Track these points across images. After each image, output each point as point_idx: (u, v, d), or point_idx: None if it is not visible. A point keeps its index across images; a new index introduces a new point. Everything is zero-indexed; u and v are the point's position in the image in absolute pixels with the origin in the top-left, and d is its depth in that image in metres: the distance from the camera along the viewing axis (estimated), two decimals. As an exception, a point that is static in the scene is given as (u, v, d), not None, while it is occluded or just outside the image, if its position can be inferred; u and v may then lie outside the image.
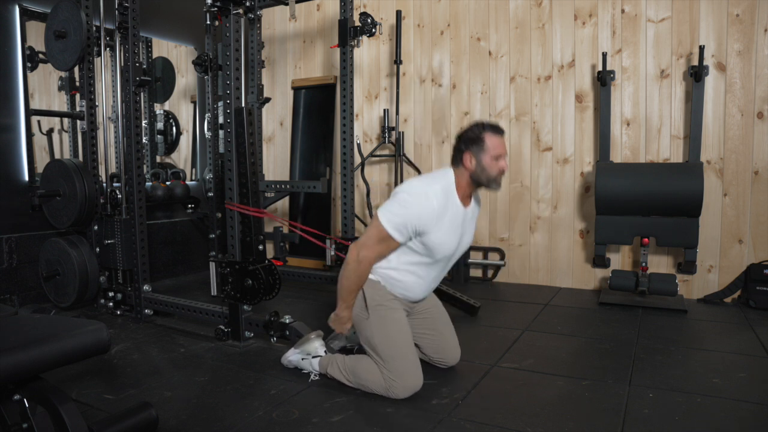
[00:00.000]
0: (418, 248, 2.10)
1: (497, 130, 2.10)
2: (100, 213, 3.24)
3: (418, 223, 2.02)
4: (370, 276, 2.17)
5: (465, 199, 2.15)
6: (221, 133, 2.74)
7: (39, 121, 3.61)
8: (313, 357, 2.27)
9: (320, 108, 4.72)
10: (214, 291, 3.35)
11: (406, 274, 2.16)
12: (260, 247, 2.63)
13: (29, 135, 3.45)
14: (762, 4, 3.27)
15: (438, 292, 3.06)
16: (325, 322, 3.06)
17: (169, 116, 4.50)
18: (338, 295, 2.17)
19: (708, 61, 3.39)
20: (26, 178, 3.42)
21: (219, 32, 3.91)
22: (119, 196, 3.18)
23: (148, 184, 3.91)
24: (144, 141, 4.00)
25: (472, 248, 4.10)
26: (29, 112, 3.43)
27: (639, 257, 3.57)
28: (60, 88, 3.75)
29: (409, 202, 2.02)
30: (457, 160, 2.13)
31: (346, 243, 2.30)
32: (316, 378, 2.24)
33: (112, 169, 3.62)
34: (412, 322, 2.27)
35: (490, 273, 4.11)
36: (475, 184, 2.13)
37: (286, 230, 4.80)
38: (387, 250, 2.10)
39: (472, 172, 2.09)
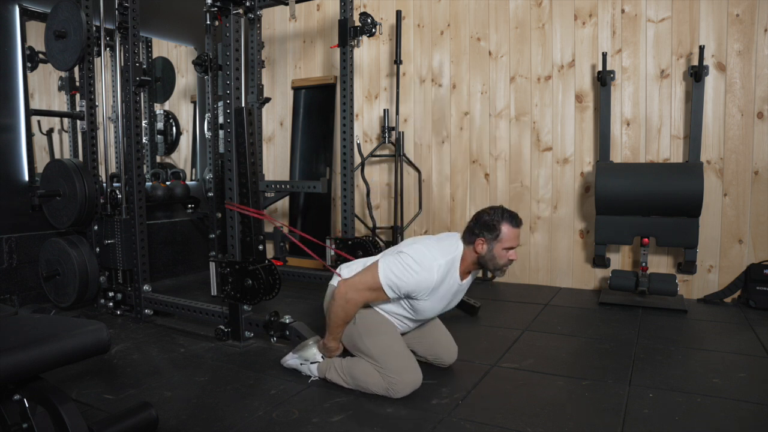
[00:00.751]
0: (405, 304, 2.15)
1: (516, 221, 2.08)
2: (100, 213, 3.24)
3: (413, 290, 2.04)
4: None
5: (464, 274, 2.16)
6: (221, 133, 2.75)
7: (39, 121, 3.61)
8: (312, 363, 2.27)
9: (320, 108, 4.72)
10: (214, 291, 3.35)
11: (389, 317, 2.21)
12: (260, 247, 2.63)
13: (29, 135, 3.45)
14: (762, 4, 3.27)
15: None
16: (324, 322, 3.06)
17: (169, 116, 4.50)
18: (327, 325, 2.20)
19: (708, 61, 3.39)
20: (26, 178, 3.42)
21: (219, 32, 3.91)
22: (119, 196, 3.18)
23: (148, 184, 3.91)
24: (144, 141, 4.00)
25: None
26: (29, 112, 3.43)
27: (639, 257, 3.57)
28: (60, 88, 3.75)
29: (413, 270, 2.01)
30: (468, 240, 2.10)
31: (333, 270, 2.35)
32: (316, 378, 2.24)
33: (112, 169, 3.62)
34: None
35: (489, 273, 4.11)
36: (479, 267, 2.15)
37: (286, 231, 4.80)
38: (375, 300, 2.13)
39: (480, 257, 2.09)
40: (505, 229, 2.05)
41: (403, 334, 2.26)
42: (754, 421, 1.86)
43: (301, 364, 2.30)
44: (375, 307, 2.20)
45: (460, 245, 2.12)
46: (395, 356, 2.07)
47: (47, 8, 3.35)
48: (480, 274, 4.12)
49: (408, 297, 2.09)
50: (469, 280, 2.21)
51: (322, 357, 2.28)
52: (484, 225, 2.06)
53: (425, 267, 2.02)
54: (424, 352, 2.33)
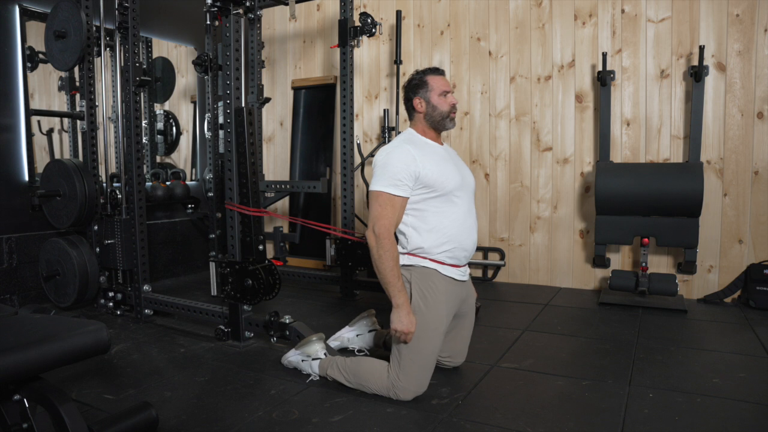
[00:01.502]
0: (427, 192, 2.07)
1: (437, 70, 2.20)
2: (100, 213, 3.24)
3: (405, 168, 2.02)
4: (418, 262, 2.08)
5: (435, 140, 2.22)
6: (221, 133, 2.74)
7: (39, 121, 3.61)
8: (313, 359, 2.27)
9: (320, 108, 4.72)
10: (214, 291, 3.35)
11: (440, 227, 2.08)
12: (260, 247, 2.63)
13: (29, 135, 3.45)
14: (762, 4, 3.27)
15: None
16: (324, 322, 3.07)
17: (169, 116, 4.50)
18: (384, 288, 2.02)
19: (708, 61, 3.39)
20: (26, 178, 3.42)
21: (219, 32, 3.91)
22: (119, 196, 3.18)
23: (148, 184, 3.91)
24: (144, 141, 4.01)
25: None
26: (29, 112, 3.43)
27: (639, 257, 3.57)
28: (60, 88, 3.75)
29: (385, 160, 2.06)
30: (410, 111, 2.22)
31: (347, 236, 2.31)
32: (316, 379, 2.24)
33: (112, 169, 3.62)
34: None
35: (490, 273, 4.11)
36: (431, 125, 2.20)
37: (286, 230, 4.79)
38: (395, 212, 2.04)
39: (425, 114, 2.18)
40: (430, 78, 2.17)
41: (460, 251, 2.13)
42: (754, 421, 1.86)
43: (302, 360, 2.30)
44: (432, 239, 2.06)
45: (408, 129, 2.24)
46: (422, 367, 2.03)
47: (47, 8, 3.35)
48: (480, 273, 4.13)
49: (414, 180, 2.04)
50: (447, 146, 2.28)
51: (324, 354, 2.28)
52: (413, 86, 2.19)
53: (392, 150, 2.08)
54: (447, 348, 2.26)
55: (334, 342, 2.59)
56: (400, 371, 2.02)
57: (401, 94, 2.25)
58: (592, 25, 3.71)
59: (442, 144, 2.25)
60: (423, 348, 2.03)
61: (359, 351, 2.55)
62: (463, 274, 2.18)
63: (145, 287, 3.17)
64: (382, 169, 2.06)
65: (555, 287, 3.87)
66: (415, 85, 2.18)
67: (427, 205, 2.09)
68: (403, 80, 4.28)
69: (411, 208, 2.09)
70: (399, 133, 4.04)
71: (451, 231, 2.10)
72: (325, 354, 2.28)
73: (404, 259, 2.10)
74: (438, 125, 2.19)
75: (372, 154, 4.21)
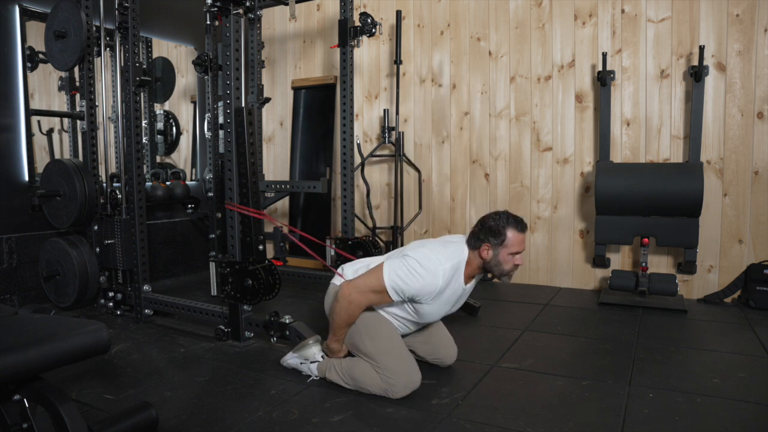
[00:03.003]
0: (408, 308, 2.14)
1: (521, 226, 2.09)
2: (100, 213, 3.24)
3: (418, 293, 2.04)
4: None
5: (468, 279, 2.16)
6: (221, 133, 2.74)
7: (39, 121, 3.61)
8: (311, 362, 2.27)
9: (320, 108, 4.72)
10: (214, 291, 3.35)
11: (390, 318, 2.20)
12: (260, 247, 2.63)
13: (29, 135, 3.45)
14: (762, 4, 3.27)
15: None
16: (324, 322, 3.06)
17: (169, 116, 4.50)
18: (330, 326, 2.20)
19: (708, 61, 3.39)
20: (26, 178, 3.42)
21: (219, 32, 3.90)
22: (119, 196, 3.18)
23: (148, 184, 3.91)
24: (144, 141, 4.00)
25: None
26: (29, 112, 3.43)
27: (639, 257, 3.57)
28: (60, 88, 3.75)
29: (418, 274, 2.01)
30: (474, 245, 2.11)
31: (334, 270, 2.33)
32: (315, 378, 2.24)
33: (112, 169, 3.62)
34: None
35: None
36: (484, 272, 2.15)
37: (286, 231, 4.80)
38: (379, 302, 2.12)
39: (486, 262, 2.10)
40: (511, 234, 2.06)
41: (403, 336, 2.26)
42: (754, 421, 1.86)
43: (300, 363, 2.30)
44: (377, 309, 2.20)
45: (465, 250, 2.12)
46: (394, 357, 2.07)
47: (47, 8, 3.35)
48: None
49: (412, 301, 2.08)
50: (472, 284, 2.22)
51: (322, 356, 2.28)
52: (490, 230, 2.06)
53: (430, 271, 2.01)
54: (423, 352, 2.34)
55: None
56: (383, 370, 2.04)
57: (475, 224, 2.14)
58: (592, 25, 3.71)
59: (471, 281, 2.20)
60: (386, 340, 2.10)
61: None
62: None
63: (145, 287, 3.17)
64: (409, 270, 2.02)
65: (555, 287, 3.87)
66: (492, 231, 2.06)
67: (396, 310, 2.18)
68: (403, 80, 4.29)
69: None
70: (399, 133, 4.03)
71: (400, 330, 2.22)
72: (322, 356, 2.28)
73: None
74: (493, 275, 2.15)
75: (372, 154, 4.21)
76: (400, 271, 2.02)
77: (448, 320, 2.57)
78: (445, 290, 2.07)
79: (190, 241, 4.43)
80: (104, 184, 3.35)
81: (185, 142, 4.64)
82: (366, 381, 2.08)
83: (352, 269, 2.25)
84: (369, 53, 4.47)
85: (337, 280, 2.25)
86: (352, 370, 2.12)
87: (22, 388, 1.45)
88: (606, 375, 2.27)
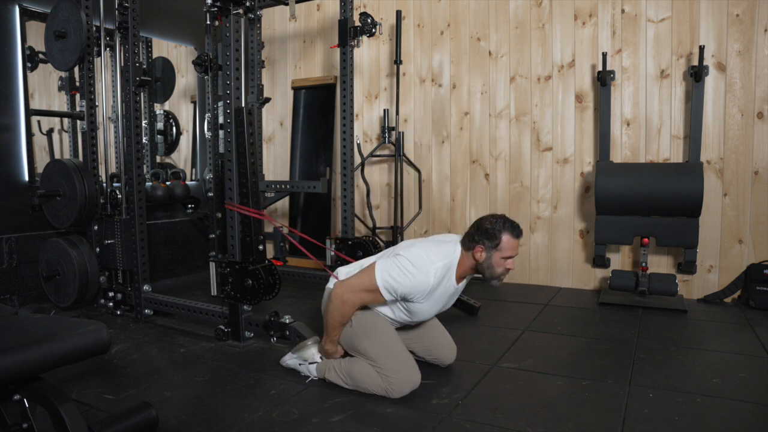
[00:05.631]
0: (401, 306, 2.15)
1: (517, 232, 2.08)
2: (100, 213, 3.24)
3: (409, 292, 2.04)
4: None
5: (460, 279, 2.17)
6: (221, 133, 2.74)
7: (39, 121, 3.61)
8: (310, 363, 2.27)
9: (320, 108, 4.72)
10: (214, 291, 3.35)
11: (384, 317, 2.21)
12: (260, 247, 2.63)
13: (29, 135, 3.45)
14: (762, 4, 3.27)
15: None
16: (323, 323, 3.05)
17: (169, 116, 4.50)
18: (324, 328, 2.20)
19: (708, 61, 3.39)
20: (26, 178, 3.42)
21: (219, 32, 3.90)
22: (119, 196, 3.18)
23: (148, 184, 3.91)
24: (144, 141, 4.00)
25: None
26: (29, 112, 3.43)
27: (639, 257, 3.57)
28: (60, 88, 3.75)
29: (409, 273, 2.01)
30: (468, 246, 2.10)
31: (331, 273, 2.33)
32: (315, 379, 2.24)
33: (112, 169, 3.62)
34: (400, 333, 2.28)
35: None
36: (476, 272, 2.15)
37: (286, 232, 4.79)
38: (371, 302, 2.13)
39: (478, 264, 2.09)
40: (506, 238, 2.05)
41: (399, 330, 2.27)
42: (754, 421, 1.87)
43: (299, 364, 2.30)
44: (371, 308, 2.20)
45: (458, 249, 2.12)
46: (393, 356, 2.07)
47: (47, 8, 3.35)
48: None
49: (404, 299, 2.09)
50: (464, 282, 2.22)
51: (321, 357, 2.28)
52: (485, 233, 2.06)
53: (422, 270, 2.01)
54: (422, 351, 2.34)
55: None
56: (383, 369, 2.04)
57: (471, 225, 2.13)
58: (592, 25, 3.71)
59: (462, 281, 2.20)
60: (384, 340, 2.10)
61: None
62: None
63: (145, 287, 3.17)
64: (401, 269, 2.02)
65: (555, 287, 3.87)
66: (488, 234, 2.05)
67: (387, 311, 2.19)
68: (403, 80, 4.29)
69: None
70: (399, 133, 4.03)
71: (399, 323, 2.24)
72: (321, 357, 2.28)
73: None
74: (483, 277, 2.14)
75: (372, 154, 4.21)
76: (392, 271, 2.03)
77: (448, 320, 2.58)
78: (437, 289, 2.07)
79: (190, 241, 4.43)
80: (104, 184, 3.35)
81: (185, 142, 4.64)
82: (366, 381, 2.07)
83: (346, 271, 2.26)
84: (369, 53, 4.47)
85: (332, 283, 2.25)
86: (352, 370, 2.12)
87: (22, 388, 1.45)
88: (606, 375, 2.27)
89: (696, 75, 3.30)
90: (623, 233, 3.42)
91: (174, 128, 4.53)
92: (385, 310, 2.19)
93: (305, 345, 2.31)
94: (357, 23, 3.52)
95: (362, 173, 4.13)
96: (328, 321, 2.14)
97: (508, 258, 2.08)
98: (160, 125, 4.43)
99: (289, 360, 2.35)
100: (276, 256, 4.45)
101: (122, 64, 3.17)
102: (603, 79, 3.54)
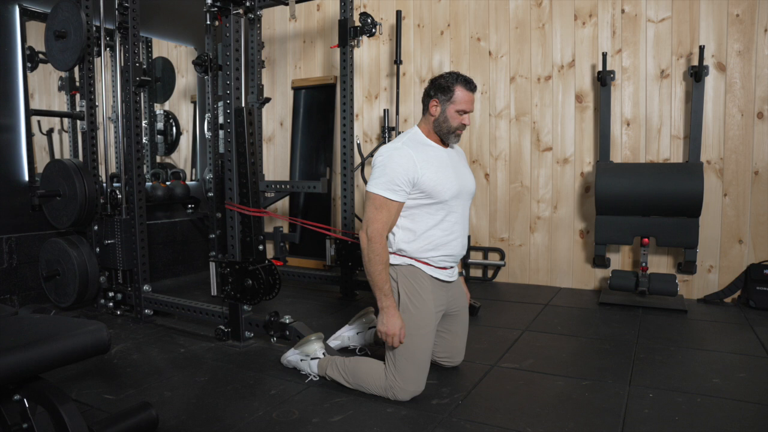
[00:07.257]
0: (423, 199, 2.07)
1: (470, 85, 2.12)
2: (100, 213, 3.24)
3: (404, 173, 2.02)
4: (404, 262, 2.10)
5: (440, 142, 2.18)
6: (221, 133, 2.74)
7: (39, 121, 3.61)
8: (312, 359, 2.26)
9: (320, 108, 4.72)
10: (214, 291, 3.35)
11: (429, 234, 2.10)
12: (260, 247, 2.63)
13: (29, 135, 3.45)
14: (762, 4, 3.27)
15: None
16: (324, 321, 3.07)
17: (169, 116, 4.50)
18: (373, 290, 2.05)
19: (708, 61, 3.39)
20: (26, 178, 3.42)
21: (219, 32, 3.91)
22: (119, 196, 3.18)
23: (148, 184, 3.91)
24: (144, 141, 4.01)
25: (472, 248, 4.10)
26: (29, 112, 3.43)
27: (639, 257, 3.57)
28: (60, 88, 3.75)
29: (385, 162, 2.04)
30: (424, 107, 2.17)
31: (345, 238, 2.29)
32: (315, 379, 2.24)
33: (112, 169, 3.62)
34: (440, 320, 2.21)
35: (490, 273, 4.11)
36: (435, 131, 2.16)
37: (286, 230, 4.79)
38: (389, 216, 2.05)
39: (435, 120, 2.13)
40: (459, 91, 2.09)
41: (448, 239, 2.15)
42: (754, 421, 1.86)
43: (301, 360, 2.29)
44: (422, 244, 2.08)
45: (414, 127, 2.20)
46: (416, 365, 2.03)
47: (47, 8, 3.35)
48: (480, 273, 4.13)
49: (411, 185, 2.04)
50: (455, 149, 2.25)
51: (323, 354, 2.28)
52: (439, 87, 2.11)
53: (392, 151, 2.06)
54: (440, 348, 2.28)
55: (335, 341, 2.59)
56: (396, 372, 2.03)
57: (425, 85, 2.19)
58: (592, 25, 3.71)
59: (447, 146, 2.20)
60: (415, 347, 2.04)
61: (360, 350, 2.55)
62: (450, 275, 2.20)
63: (145, 287, 3.17)
64: (381, 171, 2.05)
65: (555, 287, 3.87)
66: (441, 87, 2.10)
67: (421, 210, 2.10)
68: (403, 80, 4.29)
69: (404, 211, 2.10)
70: (399, 133, 4.04)
71: (441, 240, 2.13)
72: (323, 354, 2.28)
73: (391, 258, 2.12)
74: (441, 136, 2.15)
75: (372, 154, 4.21)
76: (375, 175, 2.06)
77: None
78: (423, 155, 2.06)
79: (190, 241, 4.43)
80: (104, 184, 3.35)
81: (185, 142, 4.64)
82: (368, 380, 2.07)
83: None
84: (369, 53, 4.47)
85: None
86: (356, 369, 2.11)
87: (22, 388, 1.45)
88: (606, 375, 2.27)
89: (696, 75, 3.30)
90: (623, 233, 3.42)
91: (174, 128, 4.53)
92: (426, 221, 2.09)
93: (308, 340, 2.31)
94: (357, 23, 3.52)
95: (362, 173, 4.13)
96: (370, 272, 2.02)
97: (462, 112, 2.10)
98: (160, 125, 4.43)
99: (291, 356, 2.35)
100: (276, 256, 4.45)
101: (122, 64, 3.17)
102: (603, 79, 3.54)
